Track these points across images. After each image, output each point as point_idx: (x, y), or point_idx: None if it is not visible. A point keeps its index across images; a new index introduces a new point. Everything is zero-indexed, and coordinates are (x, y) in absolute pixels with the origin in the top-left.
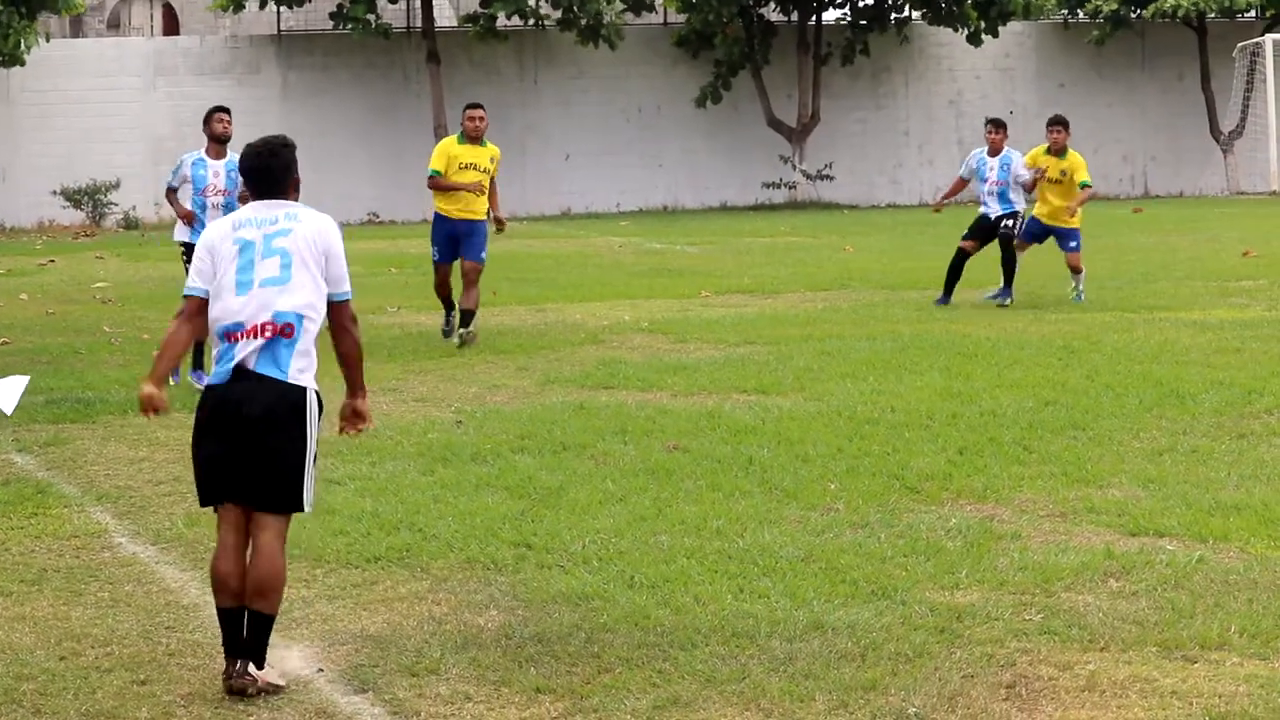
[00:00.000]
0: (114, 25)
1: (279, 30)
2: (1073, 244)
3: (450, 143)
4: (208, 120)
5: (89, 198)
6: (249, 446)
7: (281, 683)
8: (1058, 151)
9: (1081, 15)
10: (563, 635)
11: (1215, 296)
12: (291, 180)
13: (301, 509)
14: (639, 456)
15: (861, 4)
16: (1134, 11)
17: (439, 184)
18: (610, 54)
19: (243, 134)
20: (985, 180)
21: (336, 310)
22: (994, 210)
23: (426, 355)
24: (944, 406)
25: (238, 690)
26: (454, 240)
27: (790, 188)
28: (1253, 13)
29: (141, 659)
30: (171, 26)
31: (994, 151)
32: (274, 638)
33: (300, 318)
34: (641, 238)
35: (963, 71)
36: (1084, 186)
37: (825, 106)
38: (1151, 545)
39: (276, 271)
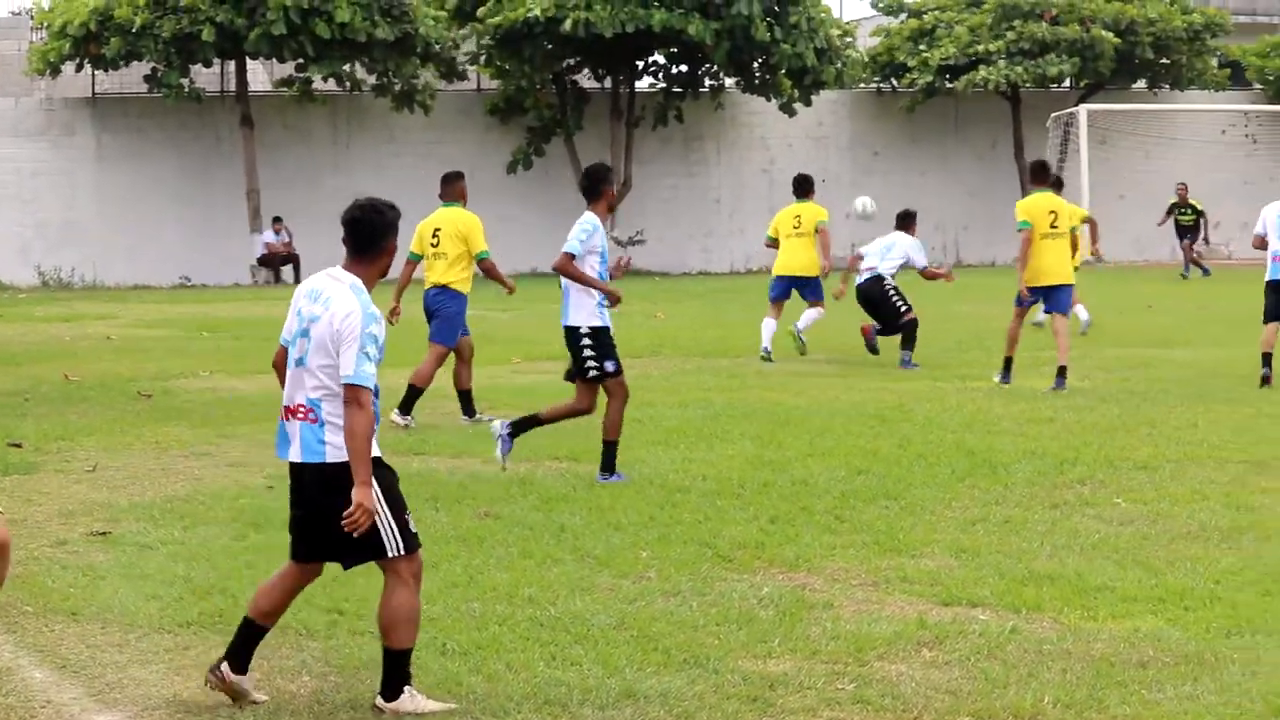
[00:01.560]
0: None
1: (94, 93)
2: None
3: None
4: (611, 186)
5: None
6: (320, 519)
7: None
8: None
9: (896, 84)
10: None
11: (1027, 366)
12: (386, 245)
13: (385, 555)
14: (450, 523)
15: (675, 71)
16: (947, 82)
17: (495, 273)
18: (424, 119)
19: (56, 196)
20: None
21: (343, 390)
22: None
23: (240, 420)
24: (756, 475)
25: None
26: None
27: None
28: (1066, 83)
29: None
30: None
31: None
32: (89, 703)
33: (317, 402)
34: None
35: (775, 139)
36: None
37: (637, 173)
38: (965, 615)
39: (302, 355)
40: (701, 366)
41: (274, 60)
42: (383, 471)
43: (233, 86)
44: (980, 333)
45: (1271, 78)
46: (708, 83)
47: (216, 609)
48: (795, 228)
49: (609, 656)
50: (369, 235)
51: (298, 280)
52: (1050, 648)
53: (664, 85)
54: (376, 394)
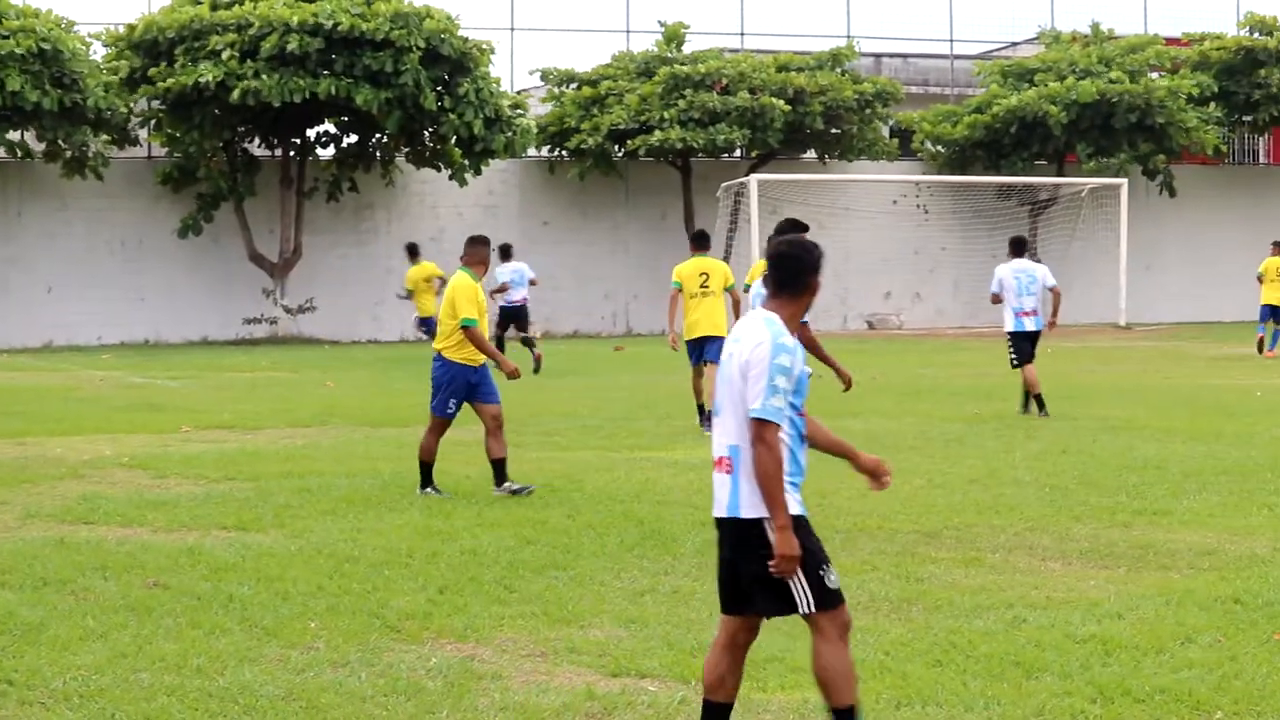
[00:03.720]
0: None
1: None
2: None
3: (473, 283)
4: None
5: None
6: (741, 573)
7: None
8: None
9: (565, 154)
10: None
11: (696, 437)
12: (808, 283)
13: (796, 610)
14: (119, 592)
15: (346, 143)
16: (617, 149)
17: (481, 342)
18: (95, 186)
19: None
20: None
21: (750, 427)
22: None
23: None
24: (424, 545)
25: None
26: (470, 388)
27: (271, 323)
28: (738, 152)
29: None
30: None
31: None
32: None
33: (734, 449)
34: (123, 371)
35: (446, 209)
36: None
37: (308, 242)
38: (633, 686)
39: (718, 399)
40: (370, 435)
41: None
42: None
43: None
44: (650, 403)
45: (943, 147)
46: (378, 155)
47: None
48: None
49: None
50: (792, 272)
51: None
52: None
53: (336, 156)
54: (802, 439)
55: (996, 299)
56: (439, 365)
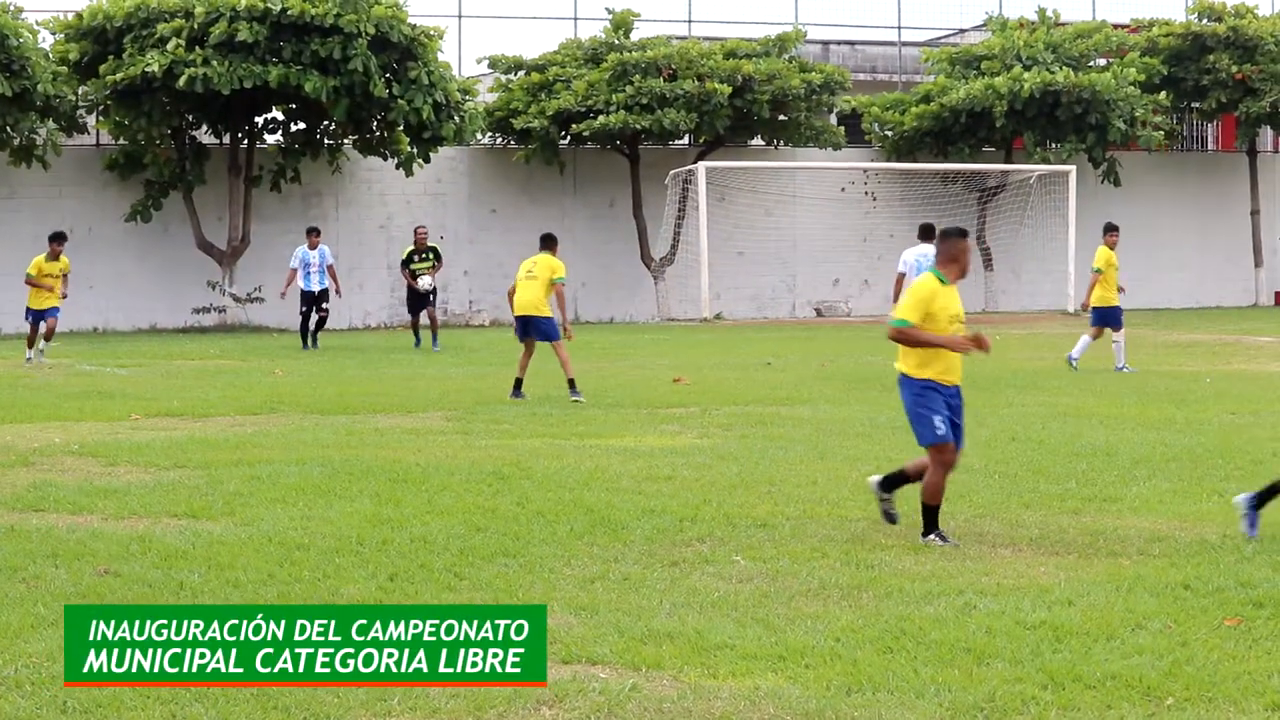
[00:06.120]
0: None
1: None
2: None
3: (932, 285)
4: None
5: None
6: None
7: None
8: None
9: (512, 142)
10: None
11: (646, 424)
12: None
13: None
14: (70, 580)
15: (294, 129)
16: (563, 135)
17: (909, 336)
18: (43, 174)
19: None
20: None
21: None
22: None
23: None
24: (375, 532)
25: None
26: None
27: (220, 311)
28: (685, 140)
29: None
30: None
31: None
32: None
33: None
34: (72, 359)
35: (394, 196)
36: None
37: (256, 230)
38: (584, 673)
39: None
40: (319, 423)
41: None
42: None
43: None
44: (599, 390)
45: (890, 133)
46: (326, 142)
47: None
48: (529, 272)
49: (229, 714)
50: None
51: None
52: (670, 706)
53: (283, 144)
54: None
55: (900, 280)
56: (900, 388)
